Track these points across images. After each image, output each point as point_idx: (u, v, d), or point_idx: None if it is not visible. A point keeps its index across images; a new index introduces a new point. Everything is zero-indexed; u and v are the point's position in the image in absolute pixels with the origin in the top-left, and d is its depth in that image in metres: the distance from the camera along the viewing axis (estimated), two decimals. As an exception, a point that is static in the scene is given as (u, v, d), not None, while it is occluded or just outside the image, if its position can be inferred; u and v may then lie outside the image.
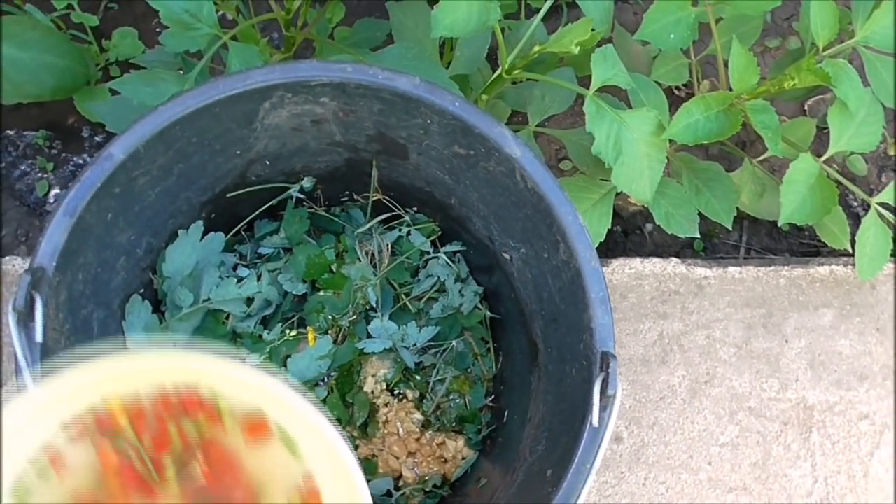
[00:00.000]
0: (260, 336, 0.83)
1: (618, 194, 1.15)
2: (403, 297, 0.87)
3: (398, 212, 0.86)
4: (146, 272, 0.78)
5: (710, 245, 1.18)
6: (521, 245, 0.75)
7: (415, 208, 0.87)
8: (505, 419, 0.83)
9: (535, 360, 0.78)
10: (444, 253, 0.87)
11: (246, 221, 0.85)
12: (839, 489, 0.96)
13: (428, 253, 0.87)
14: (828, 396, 1.00)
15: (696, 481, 0.96)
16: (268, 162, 0.78)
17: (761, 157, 1.07)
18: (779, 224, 0.91)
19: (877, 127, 0.96)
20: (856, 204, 1.21)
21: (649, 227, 1.17)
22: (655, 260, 1.03)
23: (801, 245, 1.20)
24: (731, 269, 1.03)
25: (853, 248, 0.97)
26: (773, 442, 0.98)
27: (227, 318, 0.83)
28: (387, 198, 0.86)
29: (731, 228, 0.95)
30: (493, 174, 0.71)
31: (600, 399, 0.62)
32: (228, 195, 0.80)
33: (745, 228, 1.20)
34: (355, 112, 0.71)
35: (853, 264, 1.05)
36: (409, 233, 0.86)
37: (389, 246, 0.85)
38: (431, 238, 0.87)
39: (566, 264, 0.68)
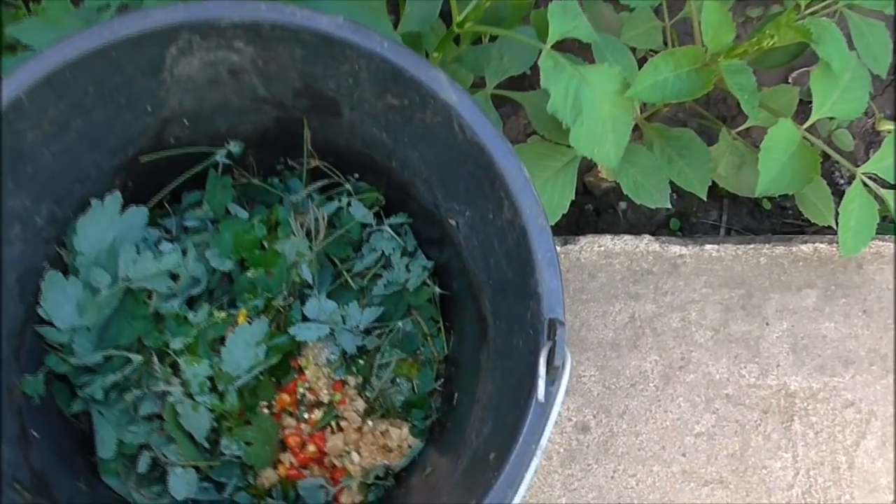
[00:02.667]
0: (185, 318, 0.75)
1: (588, 171, 1.09)
2: (345, 273, 0.79)
3: (338, 179, 0.79)
4: (50, 245, 0.70)
5: (688, 225, 1.11)
6: (465, 208, 0.68)
7: (356, 175, 0.79)
8: (454, 403, 0.75)
9: (484, 336, 0.70)
10: (390, 225, 0.79)
11: (168, 190, 0.77)
12: (822, 481, 0.89)
13: (371, 226, 0.79)
14: (811, 383, 0.92)
15: (669, 474, 0.88)
16: (186, 122, 0.71)
17: (740, 128, 1.00)
18: (756, 194, 0.84)
19: (862, 92, 0.88)
20: (842, 181, 1.14)
21: (623, 205, 1.09)
22: (627, 237, 0.95)
23: (785, 225, 1.13)
24: (707, 247, 0.96)
25: (838, 224, 0.90)
26: (751, 431, 0.90)
27: (150, 297, 0.75)
28: (325, 164, 0.78)
29: (705, 199, 0.88)
30: (430, 127, 0.64)
31: (547, 371, 0.54)
32: (144, 159, 0.72)
33: (725, 207, 1.13)
34: (276, 60, 0.64)
35: (837, 242, 0.97)
36: (349, 204, 0.78)
37: (326, 218, 0.78)
38: (375, 209, 0.79)
39: (511, 224, 0.60)
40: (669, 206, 0.84)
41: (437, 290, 0.80)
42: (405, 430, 0.77)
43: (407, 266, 0.79)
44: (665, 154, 0.88)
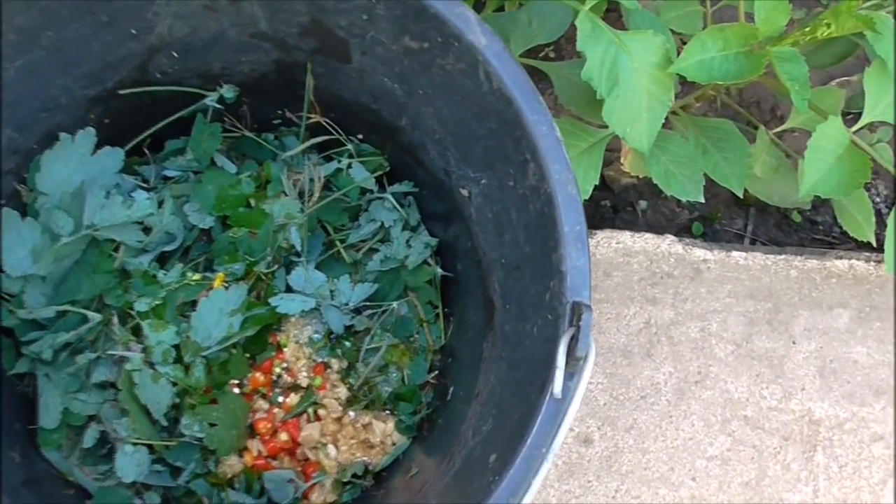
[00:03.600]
0: (154, 277, 0.66)
1: (609, 164, 1.00)
2: (338, 243, 0.71)
3: (339, 137, 0.70)
4: (8, 179, 0.62)
5: (711, 231, 1.02)
6: (481, 174, 0.59)
7: (360, 136, 0.71)
8: (449, 397, 0.67)
9: (489, 322, 0.62)
10: (393, 194, 0.71)
11: (149, 133, 0.68)
12: (846, 521, 0.81)
13: (371, 192, 0.71)
14: (837, 411, 0.84)
15: (676, 499, 0.80)
16: (175, 53, 0.62)
17: (776, 130, 0.92)
18: (799, 196, 0.76)
19: (916, 98, 0.81)
20: (878, 199, 1.06)
21: (643, 203, 1.01)
22: (648, 235, 0.87)
23: (815, 241, 1.04)
24: (734, 253, 0.88)
25: (877, 242, 0.82)
26: (770, 459, 0.82)
27: (117, 250, 0.66)
28: (327, 120, 0.70)
29: (741, 196, 0.80)
30: (451, 76, 0.56)
31: (567, 362, 0.46)
32: (124, 93, 0.64)
33: (752, 217, 1.04)
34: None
35: (876, 260, 0.90)
36: (349, 165, 0.70)
37: (323, 178, 0.69)
38: (377, 174, 0.71)
39: (535, 191, 0.52)
40: (702, 199, 0.76)
41: (440, 270, 0.71)
42: (390, 424, 0.68)
43: (408, 241, 0.71)
44: (700, 145, 0.80)
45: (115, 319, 0.64)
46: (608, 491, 0.80)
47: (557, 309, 0.49)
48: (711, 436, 0.82)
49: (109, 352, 0.63)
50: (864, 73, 0.80)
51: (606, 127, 0.80)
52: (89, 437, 0.62)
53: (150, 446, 0.62)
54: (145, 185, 0.69)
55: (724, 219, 1.02)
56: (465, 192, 0.63)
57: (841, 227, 1.03)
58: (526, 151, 0.52)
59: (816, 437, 0.83)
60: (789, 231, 1.05)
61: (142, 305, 0.65)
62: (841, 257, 0.89)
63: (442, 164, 0.65)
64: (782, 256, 0.89)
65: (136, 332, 0.65)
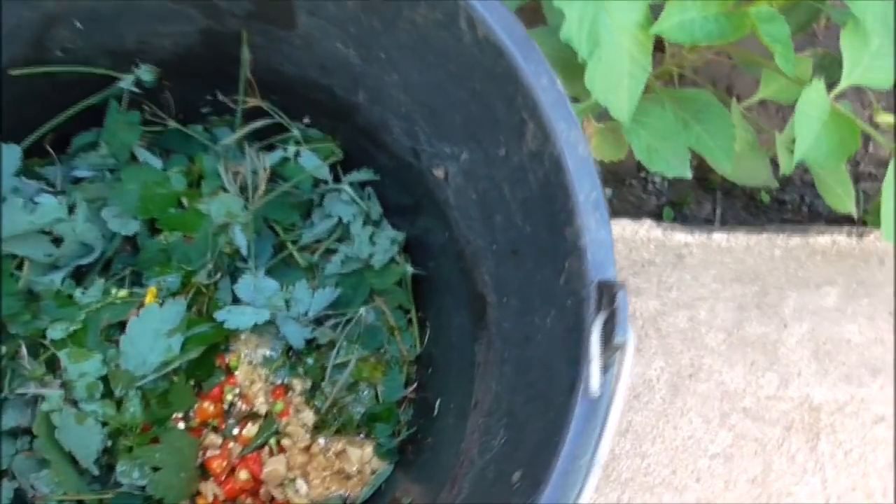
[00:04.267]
0: (70, 297, 0.55)
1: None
2: (289, 244, 0.61)
3: (283, 122, 0.61)
4: None
5: (681, 216, 0.96)
6: (461, 148, 0.51)
7: (306, 120, 0.61)
8: (436, 412, 0.57)
9: (481, 320, 0.53)
10: (350, 183, 0.62)
11: (51, 127, 0.57)
12: (859, 511, 0.75)
13: (326, 183, 0.62)
14: (836, 394, 0.79)
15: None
16: (79, 24, 0.52)
17: (746, 103, 0.87)
18: (794, 161, 0.70)
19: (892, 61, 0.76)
20: (863, 165, 1.02)
21: (608, 191, 0.95)
22: (625, 221, 0.81)
23: (784, 222, 1.00)
24: (716, 235, 0.82)
25: (858, 216, 0.78)
26: (773, 452, 0.76)
27: (20, 267, 0.55)
28: (268, 103, 0.60)
29: (729, 171, 0.73)
30: (422, 30, 0.47)
31: (602, 352, 0.38)
32: (16, 74, 0.53)
33: (719, 200, 0.99)
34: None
35: (857, 234, 0.85)
36: (297, 153, 0.60)
37: (268, 170, 0.59)
38: (329, 163, 0.62)
39: (536, 157, 0.44)
40: (689, 175, 0.69)
41: (410, 268, 0.62)
42: (368, 449, 0.59)
43: (371, 238, 0.62)
44: (679, 118, 0.73)
45: (24, 351, 0.53)
46: (609, 501, 0.72)
47: (579, 292, 0.40)
48: (711, 432, 0.76)
49: (19, 391, 0.52)
50: (842, 35, 0.75)
51: (579, 101, 0.73)
52: (3, 497, 0.51)
53: (80, 502, 0.51)
54: (51, 190, 0.58)
55: (693, 204, 0.97)
56: (439, 174, 0.55)
57: (809, 205, 0.99)
58: (522, 111, 0.43)
59: (818, 424, 0.77)
60: (757, 213, 1.00)
61: (56, 332, 0.54)
62: (822, 233, 0.84)
63: (409, 144, 0.56)
64: (764, 235, 0.83)
65: (52, 364, 0.54)
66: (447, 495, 0.48)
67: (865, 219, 0.92)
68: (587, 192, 0.41)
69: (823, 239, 0.84)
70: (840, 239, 0.84)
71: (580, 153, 0.42)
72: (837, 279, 0.83)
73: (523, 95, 0.43)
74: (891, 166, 0.75)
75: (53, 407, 0.51)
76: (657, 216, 0.95)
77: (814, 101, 0.72)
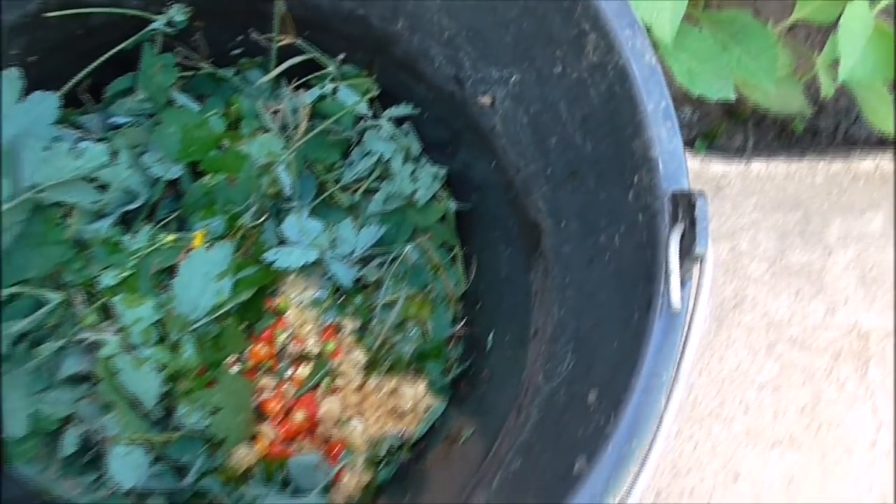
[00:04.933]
0: (117, 243, 0.54)
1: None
2: (331, 184, 0.60)
3: (318, 58, 0.59)
4: (-79, 135, 0.49)
5: (712, 148, 0.95)
6: (511, 70, 0.49)
7: (341, 55, 0.60)
8: (489, 346, 0.57)
9: (535, 249, 0.52)
10: (388, 119, 0.60)
11: (87, 73, 0.56)
12: (911, 435, 0.74)
13: (364, 120, 0.60)
14: (885, 321, 0.78)
15: (731, 435, 0.72)
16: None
17: (781, 26, 0.85)
18: (839, 79, 0.68)
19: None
20: None
21: (639, 126, 0.93)
22: (660, 152, 0.79)
23: (816, 150, 0.98)
24: (754, 164, 0.81)
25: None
26: (822, 381, 0.75)
27: (68, 215, 0.54)
28: (302, 39, 0.59)
29: (772, 89, 0.71)
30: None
31: (681, 264, 0.37)
32: (50, 17, 0.52)
33: (751, 131, 0.97)
34: None
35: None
36: (335, 90, 0.59)
37: (308, 107, 0.58)
38: (368, 96, 0.60)
39: (598, 70, 0.42)
40: (733, 96, 0.68)
41: (453, 204, 0.61)
42: (421, 387, 0.58)
43: (412, 174, 0.60)
44: (718, 41, 0.71)
45: (79, 298, 0.52)
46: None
47: (652, 206, 0.39)
48: (758, 363, 0.75)
49: (78, 338, 0.51)
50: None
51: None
52: (69, 443, 0.51)
53: (146, 444, 0.51)
54: (89, 137, 0.57)
55: (723, 136, 0.95)
56: (485, 101, 0.53)
57: (845, 133, 0.97)
58: (582, 21, 0.42)
59: (867, 351, 0.77)
60: (790, 143, 0.98)
61: (108, 279, 0.53)
62: (865, 158, 0.83)
63: (452, 72, 0.54)
64: (805, 162, 0.82)
65: (106, 311, 0.53)
66: (514, 424, 0.47)
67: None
68: (657, 102, 0.40)
69: (866, 163, 0.82)
70: (883, 163, 0.83)
71: (647, 61, 0.41)
72: (882, 203, 0.81)
73: (583, 4, 0.42)
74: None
75: (113, 352, 0.50)
76: (689, 147, 0.93)
77: (858, 17, 0.70)
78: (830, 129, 0.98)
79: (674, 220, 0.38)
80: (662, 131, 0.40)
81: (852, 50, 0.68)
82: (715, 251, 0.77)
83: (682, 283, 0.38)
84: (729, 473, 0.71)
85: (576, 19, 0.42)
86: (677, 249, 0.37)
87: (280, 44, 0.59)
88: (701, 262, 0.37)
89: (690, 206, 0.37)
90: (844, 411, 0.75)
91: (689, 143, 0.94)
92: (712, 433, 0.72)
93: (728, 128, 0.96)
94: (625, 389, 0.37)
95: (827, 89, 0.73)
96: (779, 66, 0.82)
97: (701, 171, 0.79)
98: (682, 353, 0.36)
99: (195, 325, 0.54)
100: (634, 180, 0.41)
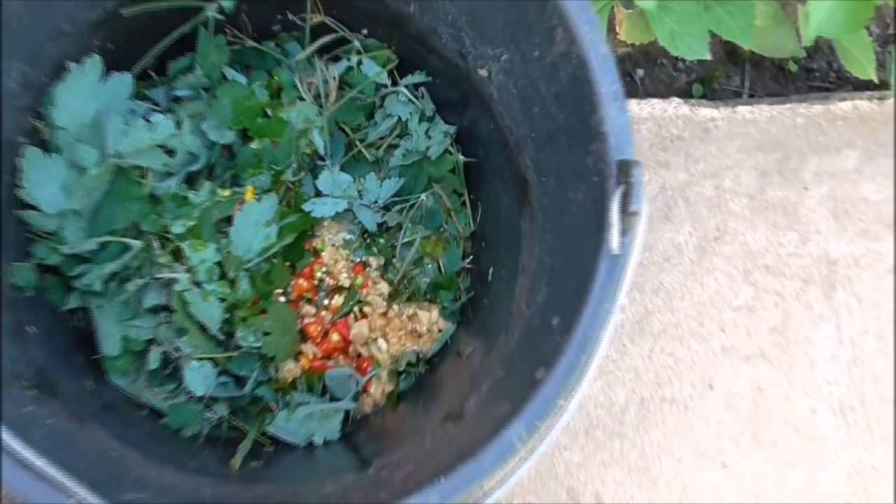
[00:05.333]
0: (185, 198, 0.66)
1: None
2: (357, 143, 0.71)
3: (345, 34, 0.70)
4: (24, 115, 0.61)
5: (710, 92, 1.03)
6: (502, 49, 0.59)
7: (364, 31, 0.70)
8: (490, 278, 0.68)
9: (524, 198, 0.63)
10: (405, 86, 0.71)
11: (154, 55, 0.67)
12: (867, 350, 0.85)
13: (385, 87, 0.71)
14: (852, 249, 0.87)
15: (709, 350, 0.83)
16: (173, -34, 0.61)
17: (769, -19, 0.92)
18: (804, 41, 0.76)
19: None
20: (870, 38, 1.06)
21: (640, 72, 1.01)
22: (654, 101, 0.88)
23: (812, 89, 1.05)
24: (740, 108, 0.89)
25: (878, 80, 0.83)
26: (792, 302, 0.85)
27: (144, 176, 0.66)
28: (329, 19, 0.69)
29: (748, 48, 0.80)
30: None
31: (621, 219, 0.47)
32: (125, 13, 0.62)
33: (748, 73, 1.05)
34: None
35: (878, 98, 0.91)
36: (360, 62, 0.69)
37: (337, 78, 0.69)
38: (388, 68, 0.71)
39: (565, 57, 0.52)
40: (709, 56, 0.76)
41: (462, 157, 0.72)
42: (434, 312, 0.70)
43: (427, 132, 0.71)
44: (701, 2, 0.79)
45: (156, 244, 0.65)
46: (643, 352, 0.83)
47: (603, 171, 0.50)
48: (735, 288, 0.85)
49: (156, 276, 0.64)
50: None
51: (606, -6, 0.80)
52: (153, 359, 0.64)
53: (212, 360, 0.64)
54: (157, 109, 0.69)
55: (721, 78, 1.03)
56: (483, 73, 0.63)
57: (837, 72, 1.04)
58: (552, 16, 0.52)
59: (835, 276, 0.86)
60: (786, 82, 1.05)
61: (178, 228, 0.65)
62: (844, 99, 0.90)
63: (456, 47, 0.64)
64: (787, 105, 0.90)
65: (177, 254, 0.65)
66: (502, 342, 0.59)
67: (889, 81, 0.97)
68: (608, 85, 0.50)
69: (845, 105, 0.90)
70: (861, 104, 0.91)
71: (601, 52, 0.50)
72: (857, 142, 0.90)
73: (552, 4, 0.51)
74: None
75: (185, 287, 0.63)
76: (687, 93, 1.02)
77: (829, -23, 0.77)
78: (824, 68, 1.05)
79: (618, 182, 0.48)
80: (612, 110, 0.50)
81: (821, 7, 0.76)
82: (701, 189, 0.87)
83: (625, 232, 0.48)
84: (705, 384, 0.83)
85: (547, 14, 0.52)
86: (618, 206, 0.48)
87: (312, 23, 0.69)
88: (637, 216, 0.47)
89: (629, 173, 0.47)
90: (811, 329, 0.85)
91: (688, 87, 1.03)
92: (692, 349, 0.83)
93: (726, 70, 1.04)
94: (577, 314, 0.48)
95: (806, 38, 0.81)
96: (766, 14, 0.89)
97: (691, 116, 0.88)
98: (619, 286, 0.47)
99: (249, 265, 0.66)
100: (592, 148, 0.51)
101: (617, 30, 0.96)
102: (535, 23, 0.53)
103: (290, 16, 0.69)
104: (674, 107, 0.88)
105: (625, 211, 0.48)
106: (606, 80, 0.50)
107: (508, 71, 0.60)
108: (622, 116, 0.50)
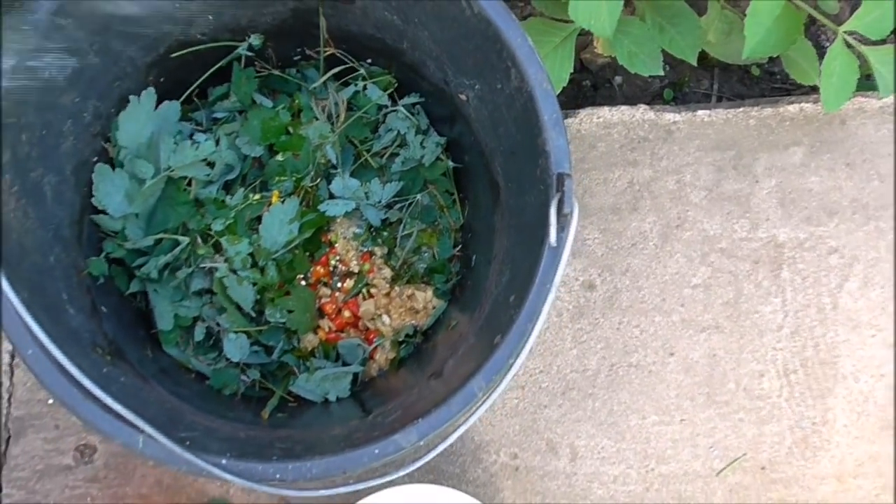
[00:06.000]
0: (223, 201, 0.82)
1: (585, 48, 1.13)
2: (364, 153, 0.85)
3: (352, 64, 0.84)
4: (97, 139, 0.76)
5: (681, 95, 1.16)
6: (474, 81, 0.73)
7: (369, 60, 0.84)
8: (473, 264, 0.83)
9: (497, 199, 0.77)
10: (404, 105, 0.85)
11: (197, 85, 0.82)
12: (809, 321, 0.98)
13: (386, 107, 0.85)
14: (798, 233, 1.00)
15: (670, 323, 0.97)
16: (210, 17, 0.75)
17: (729, -2, 1.04)
18: (742, 58, 0.89)
19: (843, -47, 0.92)
20: (827, 43, 1.18)
21: (618, 79, 1.15)
22: (623, 108, 1.01)
23: (773, 89, 1.18)
24: (700, 112, 1.02)
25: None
26: (744, 280, 0.99)
27: (189, 184, 0.81)
28: (340, 51, 0.83)
29: (695, 64, 0.93)
30: (439, 5, 0.69)
31: (557, 219, 0.61)
32: (174, 55, 0.77)
33: (717, 76, 1.18)
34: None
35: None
36: (365, 87, 0.84)
37: (346, 101, 0.83)
38: (388, 91, 0.85)
39: (519, 91, 0.66)
40: (662, 73, 0.90)
41: (451, 163, 0.86)
42: (429, 292, 0.84)
43: (421, 143, 0.85)
44: (656, 24, 0.92)
45: (199, 240, 0.80)
46: (612, 324, 0.97)
47: (547, 181, 0.64)
48: (693, 268, 0.98)
49: (201, 265, 0.79)
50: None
51: (572, 22, 0.93)
52: (198, 333, 0.79)
53: (246, 333, 0.79)
54: (200, 128, 0.84)
55: (692, 82, 1.16)
56: (463, 97, 0.77)
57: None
58: (507, 60, 0.65)
59: (781, 257, 0.99)
60: (751, 84, 1.18)
61: (218, 226, 0.80)
62: (792, 102, 1.03)
63: (441, 76, 0.78)
64: (741, 109, 1.03)
65: (217, 247, 0.81)
66: (477, 315, 0.73)
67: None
68: (550, 114, 0.64)
69: (792, 107, 1.03)
70: (807, 106, 1.03)
71: (545, 88, 0.64)
72: (803, 140, 1.02)
73: (506, 50, 0.65)
74: (832, 47, 0.93)
75: (224, 274, 0.78)
76: (661, 96, 1.15)
77: (766, 2, 0.90)
78: (784, 72, 1.18)
79: (556, 190, 0.62)
80: (553, 133, 0.63)
81: (756, 31, 0.88)
82: (664, 183, 1.00)
83: (562, 229, 0.62)
84: (666, 351, 0.97)
85: (503, 59, 0.66)
86: (555, 209, 0.62)
87: (325, 55, 0.84)
88: (570, 216, 0.61)
89: (565, 183, 0.61)
90: (759, 304, 0.98)
91: (660, 91, 1.16)
92: (654, 322, 0.97)
93: (697, 74, 1.17)
94: (526, 293, 0.62)
95: (744, 56, 0.93)
96: (720, 31, 1.02)
97: (656, 120, 1.01)
98: (556, 271, 0.61)
99: (275, 255, 0.81)
100: (539, 163, 0.65)
101: (595, 44, 1.09)
102: (496, 63, 0.67)
103: (306, 51, 0.83)
104: (641, 112, 1.01)
105: (560, 212, 0.62)
106: (548, 110, 0.64)
107: (480, 97, 0.74)
108: (561, 138, 0.64)
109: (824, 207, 1.00)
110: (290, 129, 0.83)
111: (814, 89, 1.07)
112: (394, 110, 0.85)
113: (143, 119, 0.78)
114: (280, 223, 0.81)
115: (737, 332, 0.97)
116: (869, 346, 0.98)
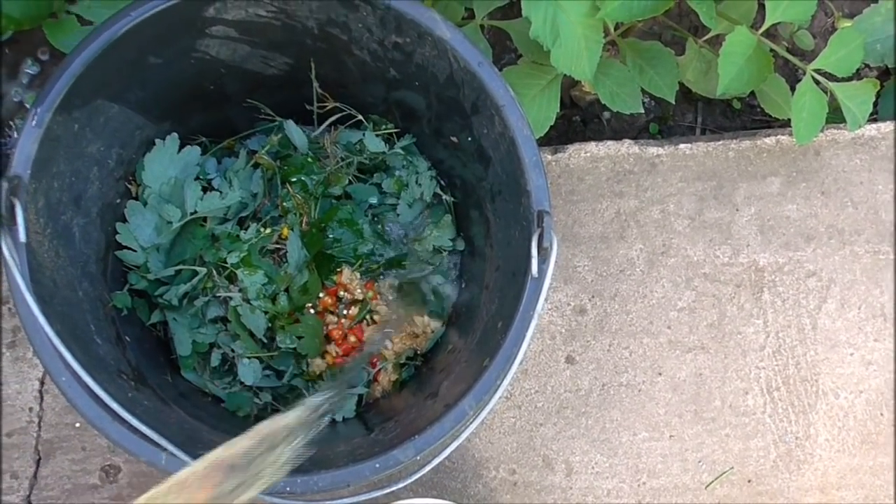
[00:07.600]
0: (237, 236, 0.88)
1: (573, 86, 1.20)
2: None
3: (353, 113, 0.91)
4: (120, 183, 0.84)
5: (666, 128, 1.22)
6: (464, 125, 0.80)
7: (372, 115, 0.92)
8: (468, 292, 0.89)
9: (488, 233, 0.84)
10: (402, 148, 0.92)
11: (221, 145, 0.90)
12: (790, 341, 1.03)
13: (384, 153, 0.92)
14: (777, 258, 1.05)
15: (657, 344, 1.03)
16: (223, 70, 0.83)
17: (707, 37, 1.11)
18: (716, 95, 0.96)
19: (812, -5, 0.99)
20: (802, 77, 1.25)
21: (607, 115, 1.21)
22: (609, 143, 1.08)
23: (754, 122, 1.24)
24: (682, 146, 1.08)
25: (794, 116, 1.02)
26: (727, 303, 1.04)
27: (205, 221, 0.88)
28: (340, 103, 0.90)
29: (673, 102, 0.99)
30: (428, 60, 0.76)
31: (538, 252, 0.68)
32: (187, 107, 0.85)
33: (700, 109, 1.24)
34: (296, 14, 0.76)
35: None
36: (364, 135, 0.91)
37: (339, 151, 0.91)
38: (386, 133, 0.91)
39: (502, 135, 0.73)
40: (642, 110, 0.96)
41: (451, 197, 0.93)
42: (426, 317, 0.91)
43: (416, 181, 0.92)
44: (636, 65, 0.99)
45: (215, 272, 0.87)
46: (603, 346, 1.03)
47: (529, 217, 0.70)
48: (679, 293, 1.04)
49: (216, 295, 0.86)
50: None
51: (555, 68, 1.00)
52: (214, 359, 0.86)
53: (259, 358, 0.86)
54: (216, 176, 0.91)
55: (677, 115, 1.22)
56: (455, 140, 0.84)
57: (771, 108, 1.22)
58: (491, 108, 0.72)
59: (762, 281, 1.05)
60: (732, 116, 1.24)
61: (233, 258, 0.86)
62: (769, 135, 1.09)
63: (436, 124, 0.85)
64: (721, 142, 1.09)
65: (231, 278, 0.87)
66: (471, 340, 0.80)
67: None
68: (530, 157, 0.71)
69: (769, 140, 1.09)
70: (783, 139, 1.09)
71: (525, 133, 0.71)
72: (780, 170, 1.08)
73: (490, 101, 0.72)
74: (801, 84, 0.99)
75: (238, 303, 0.85)
76: (647, 130, 1.21)
77: (739, 43, 0.96)
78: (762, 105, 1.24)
79: (537, 226, 0.69)
80: (534, 174, 0.70)
81: (729, 70, 0.95)
82: (649, 213, 1.06)
83: (543, 261, 0.69)
84: (655, 371, 1.02)
85: (489, 106, 0.73)
86: (537, 243, 0.68)
87: (324, 109, 0.91)
88: (549, 250, 0.68)
89: (544, 219, 0.68)
90: (742, 325, 1.04)
91: (646, 125, 1.22)
92: (643, 343, 1.03)
93: (682, 108, 1.24)
94: (512, 319, 0.69)
95: (718, 93, 0.99)
96: (698, 70, 1.09)
97: (640, 154, 1.08)
98: (538, 299, 0.68)
99: (293, 279, 0.88)
100: (522, 201, 0.72)
101: (582, 82, 1.16)
102: (482, 110, 0.74)
103: (306, 107, 0.91)
104: (626, 147, 1.08)
105: (541, 246, 0.68)
106: (529, 153, 0.70)
107: (470, 139, 0.81)
108: (540, 178, 0.70)
109: (802, 233, 1.06)
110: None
111: (790, 122, 1.13)
112: (393, 153, 0.92)
113: (166, 162, 0.85)
114: (297, 248, 0.87)
115: (721, 352, 1.03)
116: (847, 363, 1.04)
